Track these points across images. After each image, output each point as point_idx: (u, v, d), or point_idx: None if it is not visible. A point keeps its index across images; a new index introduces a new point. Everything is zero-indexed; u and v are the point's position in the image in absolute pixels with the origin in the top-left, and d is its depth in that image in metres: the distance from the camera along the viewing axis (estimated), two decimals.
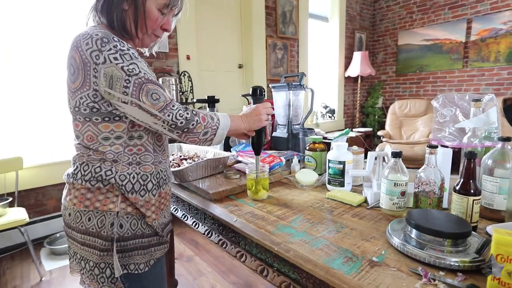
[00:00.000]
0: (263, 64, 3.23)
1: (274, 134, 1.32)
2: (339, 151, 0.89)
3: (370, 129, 4.11)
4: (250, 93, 0.83)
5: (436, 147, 0.69)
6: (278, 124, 1.32)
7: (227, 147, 1.33)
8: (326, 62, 4.23)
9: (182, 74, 2.47)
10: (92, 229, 0.64)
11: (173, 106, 0.63)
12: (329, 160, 0.90)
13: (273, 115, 1.47)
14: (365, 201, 0.81)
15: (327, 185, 0.92)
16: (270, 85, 1.33)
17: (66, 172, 0.68)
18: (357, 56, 4.09)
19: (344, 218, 0.72)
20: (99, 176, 0.63)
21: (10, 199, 1.73)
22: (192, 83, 2.51)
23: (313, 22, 3.93)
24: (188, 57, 2.59)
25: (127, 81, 0.59)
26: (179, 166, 1.01)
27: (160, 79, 2.26)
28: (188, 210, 0.96)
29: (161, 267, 0.74)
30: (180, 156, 1.15)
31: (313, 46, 3.96)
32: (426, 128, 3.60)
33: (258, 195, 0.84)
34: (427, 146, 0.69)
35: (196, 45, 2.68)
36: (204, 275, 1.60)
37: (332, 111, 4.21)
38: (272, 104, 1.39)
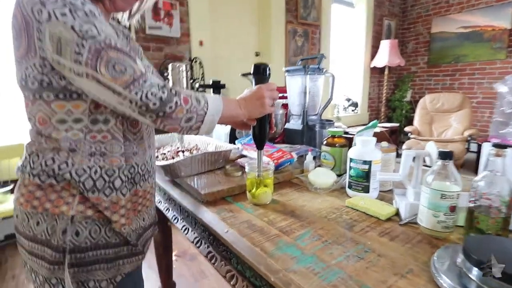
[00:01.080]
0: (281, 52, 3.03)
1: (287, 125, 1.15)
2: (365, 147, 0.71)
3: (397, 124, 3.80)
4: (251, 71, 0.66)
5: (505, 147, 0.49)
6: (292, 115, 1.15)
7: (232, 139, 1.18)
8: (350, 51, 3.94)
9: (194, 60, 2.33)
10: (41, 235, 0.50)
11: (145, 81, 0.48)
12: (351, 158, 0.72)
13: (285, 105, 1.29)
14: (397, 213, 0.63)
15: (347, 190, 0.74)
16: (284, 69, 1.15)
17: (16, 165, 0.55)
18: (385, 44, 3.77)
19: (369, 237, 0.54)
20: (51, 170, 0.50)
21: (12, 185, 1.69)
22: (203, 70, 2.37)
23: (337, 8, 3.65)
24: (201, 43, 2.44)
25: (80, 46, 0.44)
26: (173, 159, 0.87)
27: (170, 65, 2.13)
28: (179, 212, 0.81)
29: (133, 283, 0.60)
30: (178, 148, 1.01)
31: (336, 34, 3.68)
32: (460, 125, 3.25)
33: (260, 198, 0.68)
34: (492, 145, 0.49)
35: (210, 30, 2.53)
36: (206, 277, 1.47)
37: (355, 104, 3.94)
38: (284, 92, 1.21)
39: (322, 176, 0.79)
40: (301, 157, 1.00)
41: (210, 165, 0.89)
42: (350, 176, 0.73)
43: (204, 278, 1.46)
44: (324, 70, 1.10)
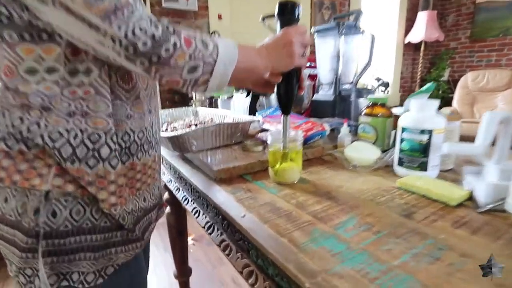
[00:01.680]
0: (306, 27, 2.79)
1: (315, 97, 0.99)
2: (423, 113, 0.54)
3: None
4: (275, 12, 0.51)
5: None
6: (321, 84, 0.98)
7: (252, 112, 1.04)
8: (382, 27, 3.60)
9: (212, 34, 2.19)
10: (10, 215, 0.40)
11: (132, 12, 0.35)
12: (403, 128, 0.56)
13: (313, 76, 1.13)
14: (470, 198, 0.47)
15: (396, 168, 0.59)
16: (313, 28, 0.98)
17: None
18: (422, 17, 3.40)
19: (439, 228, 0.39)
20: (18, 133, 0.39)
21: None
22: None
23: None
24: (219, 17, 2.28)
25: None
26: None
27: None
28: (190, 192, 0.70)
29: (130, 276, 0.50)
30: (191, 122, 0.89)
31: (367, 7, 3.36)
32: (508, 105, 2.89)
33: (285, 176, 0.54)
34: None
35: (230, 4, 2.35)
36: (225, 264, 1.38)
37: (385, 85, 3.63)
38: (313, 60, 1.04)
39: (362, 152, 0.64)
40: (332, 132, 0.85)
41: (226, 139, 0.76)
42: (401, 151, 0.57)
43: (222, 265, 1.38)
44: (362, 30, 0.92)
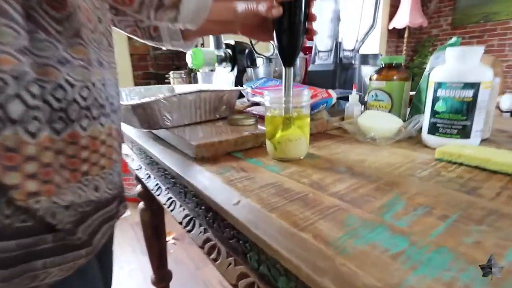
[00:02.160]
0: None
1: (311, 68, 0.86)
2: (465, 63, 0.42)
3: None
4: None
5: None
6: (318, 52, 0.85)
7: (239, 84, 0.89)
8: (365, 13, 3.53)
9: None
10: None
11: None
12: (439, 84, 0.43)
13: (307, 48, 0.99)
14: None
15: (426, 137, 0.46)
16: None
17: None
18: (405, 2, 3.35)
19: None
20: None
21: None
22: None
23: None
24: None
25: None
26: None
27: None
28: (163, 179, 0.55)
29: None
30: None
31: None
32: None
33: (289, 150, 0.40)
34: None
35: None
36: (209, 265, 1.24)
37: None
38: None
39: (381, 121, 0.51)
40: (332, 107, 0.72)
41: (209, 113, 0.61)
42: (436, 114, 0.44)
43: (206, 266, 1.23)
44: None
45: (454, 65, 0.42)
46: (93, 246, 0.35)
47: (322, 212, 0.26)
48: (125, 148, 0.86)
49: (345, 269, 0.19)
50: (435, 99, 0.44)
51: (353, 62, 0.78)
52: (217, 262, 0.34)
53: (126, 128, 0.77)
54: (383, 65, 0.60)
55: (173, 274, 1.03)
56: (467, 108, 0.41)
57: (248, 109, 0.69)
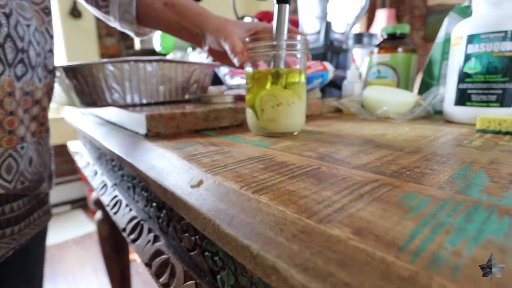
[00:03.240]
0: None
1: None
2: (501, 9, 0.32)
3: None
4: None
5: None
6: (306, 34, 0.75)
7: (215, 78, 0.77)
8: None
9: None
10: None
11: None
12: (470, 37, 0.33)
13: None
14: None
15: (452, 109, 0.36)
16: None
17: None
18: (381, 14, 3.44)
19: None
20: None
21: None
22: None
23: None
24: None
25: None
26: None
27: None
28: (112, 173, 0.41)
29: None
30: None
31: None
32: None
33: (278, 118, 0.28)
34: None
35: None
36: None
37: None
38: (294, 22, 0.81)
39: (391, 94, 0.40)
40: (324, 91, 0.61)
41: (175, 93, 0.48)
42: (466, 77, 0.34)
43: None
44: None
45: (489, 12, 0.33)
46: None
47: (353, 190, 0.14)
48: (77, 145, 0.71)
49: None
50: (465, 59, 0.34)
51: (344, 46, 0.69)
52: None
53: (71, 115, 0.62)
54: (385, 37, 0.51)
55: None
56: (509, 66, 0.32)
57: (226, 92, 0.57)
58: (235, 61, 0.29)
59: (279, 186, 0.15)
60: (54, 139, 1.72)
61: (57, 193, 1.83)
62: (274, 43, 0.27)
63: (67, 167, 1.86)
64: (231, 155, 0.22)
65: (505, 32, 0.31)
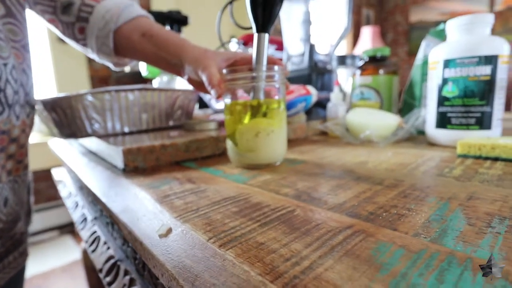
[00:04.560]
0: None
1: None
2: (474, 34, 0.33)
3: None
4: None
5: None
6: (291, 57, 0.76)
7: (203, 101, 0.77)
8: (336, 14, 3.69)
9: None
10: None
11: None
12: (446, 62, 0.34)
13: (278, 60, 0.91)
14: None
15: (433, 132, 0.36)
16: None
17: None
18: (366, 31, 3.56)
19: None
20: None
21: None
22: None
23: None
24: None
25: None
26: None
27: None
28: (93, 206, 0.39)
29: None
30: None
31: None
32: None
33: (258, 148, 0.28)
34: None
35: (177, 2, 2.13)
36: None
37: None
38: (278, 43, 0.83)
39: (374, 117, 0.41)
40: (309, 114, 0.62)
41: (158, 120, 0.48)
42: (444, 101, 0.35)
43: None
44: None
45: (462, 37, 0.34)
46: None
47: (325, 241, 0.14)
48: (62, 173, 0.69)
49: None
50: (442, 83, 0.34)
51: (328, 67, 0.70)
52: None
53: (55, 144, 0.61)
54: (367, 59, 0.52)
55: None
56: (485, 90, 0.32)
57: (211, 117, 0.57)
58: (212, 93, 0.28)
59: (249, 236, 0.14)
60: (41, 163, 1.68)
61: (45, 219, 1.77)
62: (254, 74, 0.27)
63: (54, 192, 1.82)
64: (205, 195, 0.21)
65: (479, 57, 0.32)
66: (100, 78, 2.11)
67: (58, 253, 1.63)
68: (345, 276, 0.11)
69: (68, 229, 1.88)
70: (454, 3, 3.62)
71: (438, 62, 0.35)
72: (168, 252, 0.15)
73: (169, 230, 0.16)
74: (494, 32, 3.29)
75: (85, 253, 0.78)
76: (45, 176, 1.74)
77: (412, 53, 3.92)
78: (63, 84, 1.80)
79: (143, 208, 0.20)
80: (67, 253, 1.63)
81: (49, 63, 1.69)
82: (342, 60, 0.70)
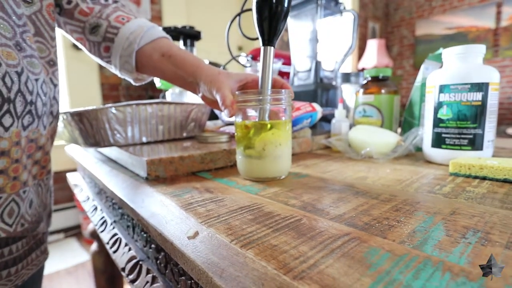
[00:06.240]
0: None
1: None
2: (468, 62, 0.36)
3: None
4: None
5: None
6: (297, 73, 0.80)
7: (214, 113, 0.81)
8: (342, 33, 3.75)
9: None
10: None
11: None
12: (442, 87, 0.37)
13: (285, 73, 0.95)
14: None
15: (429, 151, 0.39)
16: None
17: None
18: (372, 44, 3.61)
19: None
20: None
21: None
22: None
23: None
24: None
25: None
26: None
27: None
28: (112, 210, 0.43)
29: None
30: None
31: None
32: None
33: (265, 163, 0.31)
34: None
35: (187, 16, 2.20)
36: None
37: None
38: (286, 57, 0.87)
39: (375, 135, 0.44)
40: (314, 128, 0.65)
41: (173, 131, 0.52)
42: (440, 123, 0.38)
43: None
44: (343, 7, 0.78)
45: (456, 65, 0.37)
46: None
47: (327, 245, 0.17)
48: (77, 177, 0.73)
49: None
50: (437, 106, 0.38)
51: (333, 83, 0.74)
52: None
53: (72, 149, 0.64)
54: (370, 79, 0.55)
55: None
56: (477, 114, 0.35)
57: (221, 129, 0.60)
58: (225, 113, 0.32)
59: (264, 240, 0.18)
60: None
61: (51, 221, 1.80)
62: (260, 97, 0.31)
63: (62, 194, 1.86)
64: (224, 204, 0.24)
65: (471, 84, 0.35)
66: (111, 85, 2.18)
67: (63, 256, 1.66)
68: (342, 272, 0.14)
69: (73, 231, 1.91)
70: (460, 18, 3.66)
71: (434, 86, 0.38)
72: (197, 251, 0.18)
73: (196, 233, 0.20)
74: (499, 47, 3.32)
75: (94, 256, 0.81)
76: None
77: (418, 66, 3.96)
78: (75, 90, 1.85)
79: (170, 213, 0.23)
80: (72, 255, 1.66)
81: (62, 69, 1.75)
82: (346, 77, 0.74)
